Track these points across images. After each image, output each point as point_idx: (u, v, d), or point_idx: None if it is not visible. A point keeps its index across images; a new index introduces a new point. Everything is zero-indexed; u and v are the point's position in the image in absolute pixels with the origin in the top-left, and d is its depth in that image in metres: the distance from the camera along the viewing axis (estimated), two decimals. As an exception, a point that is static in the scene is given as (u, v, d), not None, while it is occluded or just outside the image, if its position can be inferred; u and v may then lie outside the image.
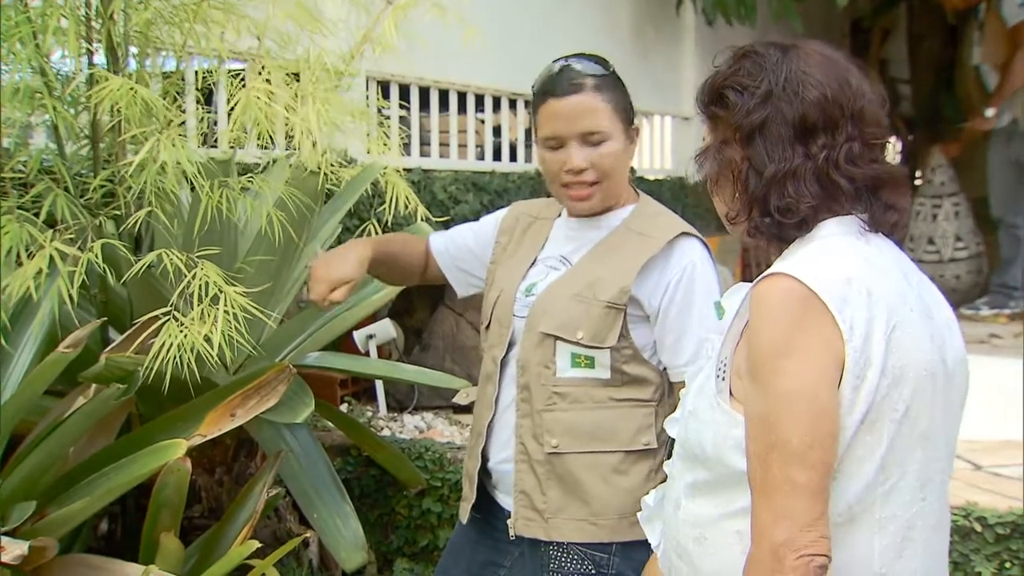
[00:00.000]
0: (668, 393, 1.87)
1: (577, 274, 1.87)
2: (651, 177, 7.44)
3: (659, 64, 7.25)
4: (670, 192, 7.46)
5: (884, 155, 1.31)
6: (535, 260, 1.95)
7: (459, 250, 2.09)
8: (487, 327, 1.97)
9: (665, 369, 1.86)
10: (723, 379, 1.28)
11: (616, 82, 1.87)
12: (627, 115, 1.87)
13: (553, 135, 1.83)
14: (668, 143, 7.76)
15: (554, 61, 1.88)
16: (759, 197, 1.27)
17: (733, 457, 1.25)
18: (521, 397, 1.86)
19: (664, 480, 1.49)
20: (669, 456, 1.42)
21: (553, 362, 1.84)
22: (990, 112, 5.80)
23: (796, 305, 1.19)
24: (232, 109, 2.05)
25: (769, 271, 1.23)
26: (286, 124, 2.13)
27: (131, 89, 1.92)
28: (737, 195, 1.30)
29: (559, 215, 2.00)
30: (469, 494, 1.95)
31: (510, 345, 1.90)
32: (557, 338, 1.83)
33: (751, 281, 1.32)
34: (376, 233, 2.93)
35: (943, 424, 1.27)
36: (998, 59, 5.86)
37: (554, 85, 1.84)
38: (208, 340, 1.93)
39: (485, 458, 1.92)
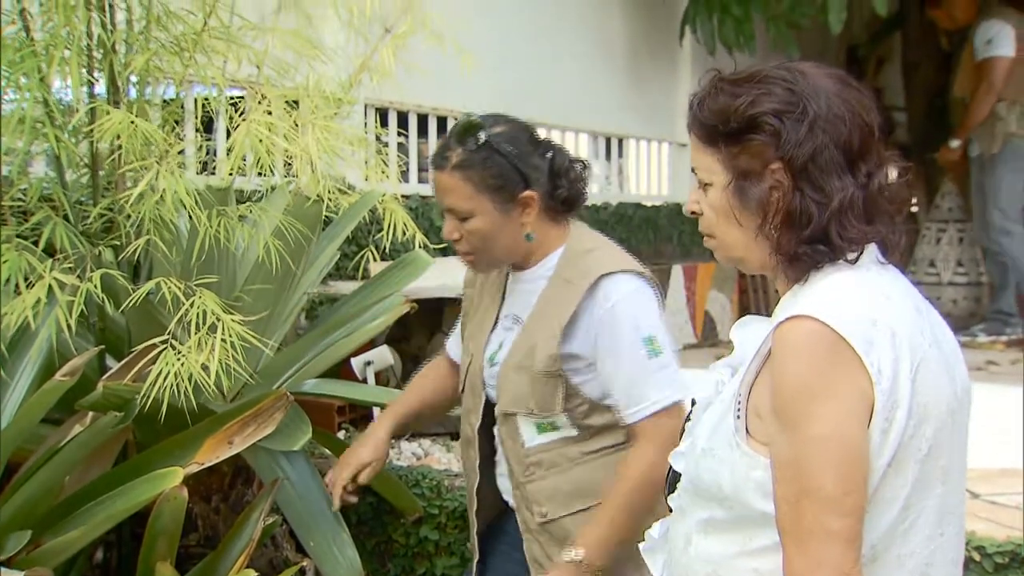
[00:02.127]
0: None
1: (520, 340, 1.88)
2: (648, 204, 7.46)
3: (655, 90, 7.29)
4: (667, 219, 7.48)
5: (901, 174, 1.30)
6: (496, 319, 1.95)
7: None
8: (462, 390, 2.01)
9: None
10: (739, 417, 1.26)
11: (487, 157, 1.82)
12: (504, 186, 1.82)
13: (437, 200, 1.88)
14: (664, 169, 7.78)
15: (458, 120, 1.88)
16: (820, 228, 1.23)
17: (754, 498, 1.23)
18: (508, 470, 1.91)
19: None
20: (672, 489, 1.40)
21: (519, 435, 1.88)
22: (955, 143, 5.93)
23: (823, 349, 1.17)
24: (232, 138, 2.06)
25: (792, 312, 1.20)
26: (285, 152, 2.14)
27: (131, 123, 1.93)
28: (774, 227, 1.25)
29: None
30: (474, 551, 1.97)
31: (485, 413, 1.94)
32: (515, 414, 1.87)
33: (750, 308, 1.32)
34: (375, 258, 2.94)
35: (958, 457, 1.27)
36: (969, 91, 5.95)
37: (433, 154, 1.88)
38: (205, 368, 1.93)
39: (483, 520, 1.97)
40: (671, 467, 1.41)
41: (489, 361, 1.92)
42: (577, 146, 6.71)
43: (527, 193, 1.84)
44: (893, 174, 1.28)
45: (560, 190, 1.87)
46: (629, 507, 1.77)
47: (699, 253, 7.98)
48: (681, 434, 1.41)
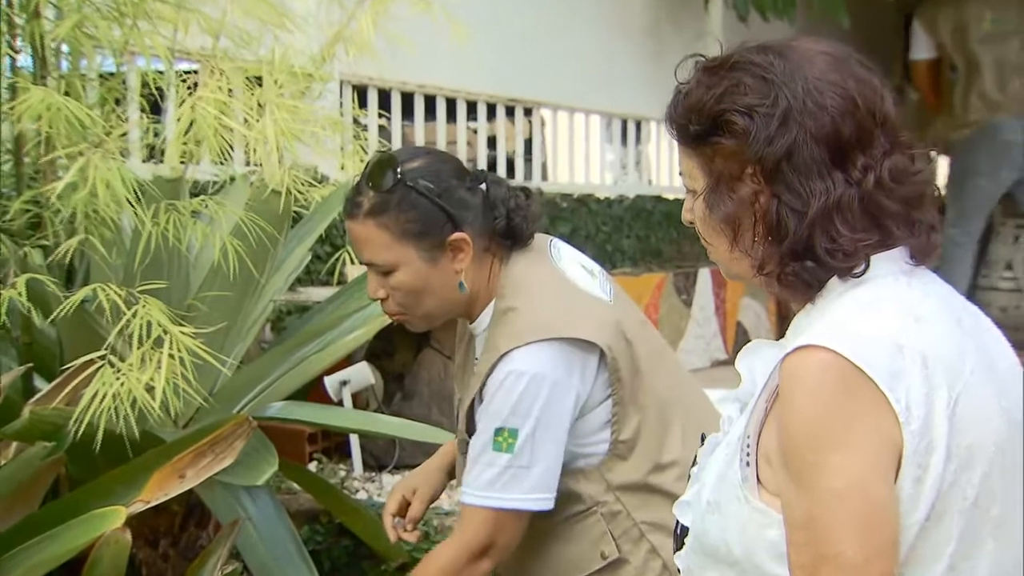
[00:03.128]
0: (607, 488, 1.85)
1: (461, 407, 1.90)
2: (670, 196, 7.46)
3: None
4: (693, 213, 7.45)
5: (921, 165, 1.24)
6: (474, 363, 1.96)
7: None
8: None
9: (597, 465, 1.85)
10: (748, 464, 1.22)
11: (403, 198, 1.77)
12: (427, 231, 1.78)
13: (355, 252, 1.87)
14: (690, 157, 7.73)
15: (368, 159, 1.85)
16: (800, 240, 1.19)
17: (767, 562, 1.19)
18: None
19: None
20: (680, 545, 1.37)
21: None
22: None
23: (838, 385, 1.12)
24: (176, 119, 2.04)
25: (801, 341, 1.16)
26: (242, 137, 2.12)
27: (51, 104, 1.90)
28: (758, 240, 1.23)
29: None
30: None
31: None
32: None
33: (790, 318, 1.28)
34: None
35: (1014, 502, 1.22)
36: None
37: (344, 200, 1.84)
38: (151, 389, 1.91)
39: None
40: (678, 520, 1.37)
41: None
42: (588, 129, 6.71)
43: (456, 235, 1.79)
44: (914, 163, 1.23)
45: (498, 221, 1.82)
46: None
47: (730, 254, 7.97)
48: (688, 480, 1.37)
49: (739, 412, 1.31)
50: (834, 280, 1.21)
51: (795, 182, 1.18)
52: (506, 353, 1.76)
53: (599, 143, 6.96)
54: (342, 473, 3.71)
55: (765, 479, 1.20)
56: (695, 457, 1.38)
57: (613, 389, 1.82)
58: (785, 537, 1.16)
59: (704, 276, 7.07)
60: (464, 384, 1.94)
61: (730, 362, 7.46)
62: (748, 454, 1.22)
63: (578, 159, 6.72)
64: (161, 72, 2.36)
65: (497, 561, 1.82)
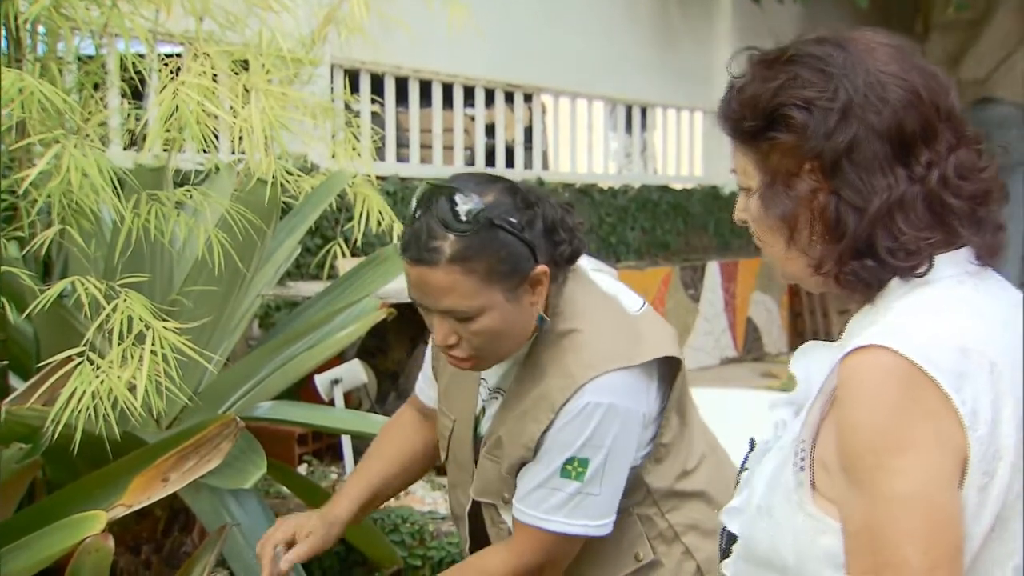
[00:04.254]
0: (646, 491, 1.88)
1: (495, 423, 1.88)
2: (677, 186, 7.46)
3: (687, 50, 7.27)
4: (700, 204, 7.46)
5: (987, 161, 1.25)
6: (479, 380, 1.94)
7: (431, 381, 2.10)
8: (445, 458, 2.01)
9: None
10: (802, 470, 1.22)
11: (492, 238, 1.70)
12: (516, 270, 1.73)
13: (416, 299, 1.77)
14: (698, 144, 7.78)
15: (425, 192, 1.74)
16: (860, 238, 1.20)
17: (822, 570, 1.19)
18: None
19: None
20: (727, 553, 1.37)
21: (503, 522, 1.90)
22: None
23: (901, 388, 1.12)
24: (157, 105, 2.03)
25: (861, 341, 1.16)
26: (231, 124, 2.11)
27: (25, 87, 1.89)
28: (816, 239, 1.23)
29: None
30: None
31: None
32: (491, 504, 1.90)
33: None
34: (344, 254, 2.92)
35: None
36: None
37: (407, 244, 1.72)
38: (132, 388, 1.90)
39: None
40: (724, 527, 1.38)
41: (475, 433, 1.93)
42: (591, 116, 6.70)
43: (539, 269, 1.75)
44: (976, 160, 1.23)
45: (561, 248, 1.79)
46: None
47: (740, 247, 7.97)
48: (736, 484, 1.38)
49: (792, 415, 1.30)
50: (895, 280, 1.21)
51: (855, 178, 1.19)
52: (584, 383, 1.75)
53: (603, 131, 6.95)
54: (333, 476, 3.71)
55: (821, 485, 1.20)
56: (743, 462, 1.38)
57: (668, 398, 1.86)
58: (844, 545, 1.16)
59: (712, 270, 7.06)
60: (462, 402, 1.94)
61: (741, 359, 7.46)
62: (802, 459, 1.22)
63: (580, 147, 6.71)
64: (142, 55, 2.35)
65: None
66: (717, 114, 1.31)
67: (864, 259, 1.20)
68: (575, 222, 1.83)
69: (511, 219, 1.71)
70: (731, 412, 5.36)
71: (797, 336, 8.01)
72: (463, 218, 1.68)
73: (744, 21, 7.61)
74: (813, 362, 1.31)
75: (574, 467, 1.77)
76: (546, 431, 1.78)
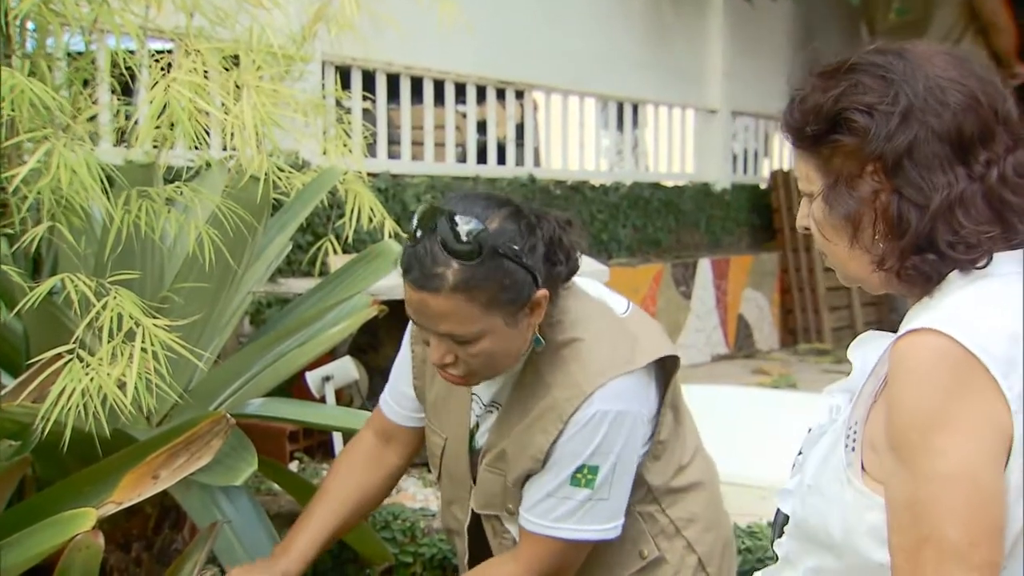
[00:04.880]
0: (647, 489, 1.90)
1: (494, 437, 1.88)
2: (669, 183, 7.45)
3: (680, 47, 7.27)
4: (692, 202, 7.47)
5: None
6: (471, 396, 1.94)
7: (402, 397, 2.11)
8: (438, 477, 2.02)
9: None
10: (853, 450, 1.28)
11: (496, 267, 1.70)
12: (517, 297, 1.73)
13: (414, 319, 1.77)
14: (690, 142, 7.77)
15: (427, 214, 1.72)
16: (922, 234, 1.25)
17: (868, 545, 1.25)
18: None
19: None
20: (780, 534, 1.43)
21: (507, 532, 1.91)
22: None
23: (950, 370, 1.17)
24: (148, 102, 2.02)
25: (914, 324, 1.21)
26: (222, 121, 2.10)
27: (15, 85, 1.88)
28: (879, 237, 1.29)
29: None
30: None
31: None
32: (494, 516, 1.91)
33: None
34: (335, 251, 2.91)
35: None
36: None
37: (409, 265, 1.72)
38: (122, 385, 1.89)
39: None
40: (778, 508, 1.44)
41: (470, 447, 1.92)
42: (583, 113, 6.69)
43: (540, 293, 1.76)
44: None
45: (559, 268, 1.79)
46: None
47: (731, 244, 7.98)
48: (792, 468, 1.43)
49: (847, 401, 1.36)
50: (954, 274, 1.27)
51: (916, 177, 1.25)
52: (592, 392, 1.77)
53: (594, 128, 6.94)
54: (325, 472, 3.70)
55: (869, 465, 1.26)
56: (800, 448, 1.44)
57: (664, 395, 1.87)
58: (888, 520, 1.21)
59: (704, 267, 7.06)
60: (454, 419, 1.94)
61: (733, 356, 7.47)
62: (853, 440, 1.28)
63: (572, 144, 6.71)
64: (132, 52, 2.34)
65: None
66: (780, 126, 1.39)
67: (925, 254, 1.26)
68: (573, 240, 1.82)
69: (515, 247, 1.71)
70: (723, 409, 5.37)
71: (788, 333, 8.02)
72: (464, 239, 1.66)
73: (736, 19, 7.61)
74: (870, 350, 1.37)
75: (584, 475, 1.78)
76: (555, 442, 1.78)
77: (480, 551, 1.95)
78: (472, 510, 1.94)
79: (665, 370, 1.87)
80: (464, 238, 1.67)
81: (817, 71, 1.34)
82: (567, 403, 1.78)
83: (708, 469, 1.98)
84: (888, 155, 1.26)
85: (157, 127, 2.12)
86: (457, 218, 1.68)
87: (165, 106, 2.00)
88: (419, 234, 1.72)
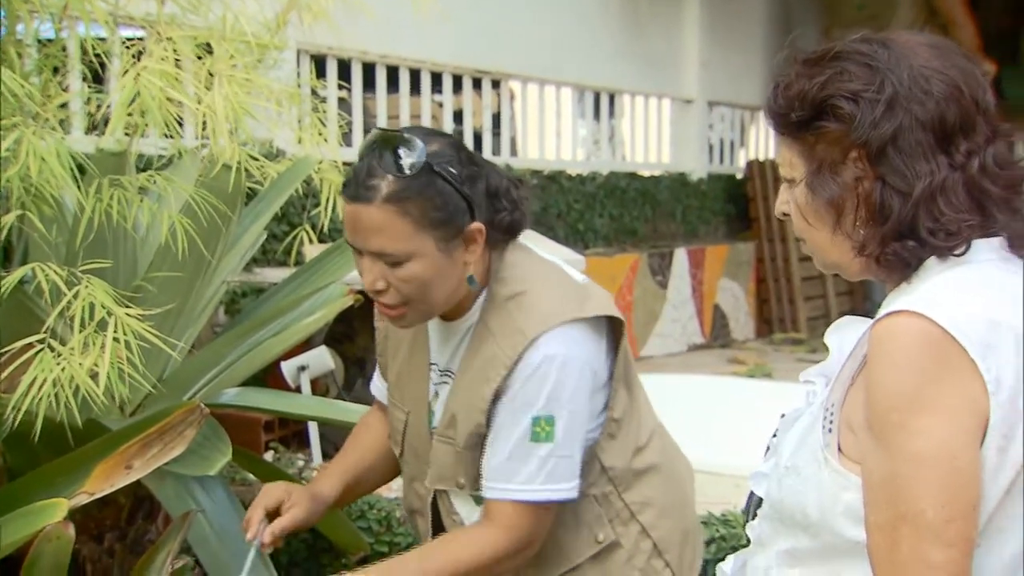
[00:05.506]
0: (601, 469, 1.87)
1: (444, 404, 1.87)
2: (645, 173, 7.46)
3: (656, 37, 7.27)
4: (668, 191, 7.48)
5: (1020, 154, 1.33)
6: (429, 366, 1.93)
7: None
8: (401, 453, 1.99)
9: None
10: (830, 431, 1.29)
11: (429, 183, 1.72)
12: (450, 220, 1.74)
13: (349, 240, 1.78)
14: (666, 131, 7.78)
15: (372, 137, 1.76)
16: (904, 220, 1.27)
17: (844, 524, 1.27)
18: None
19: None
20: (752, 517, 1.45)
21: (456, 512, 1.89)
22: None
23: (929, 351, 1.19)
24: (118, 91, 2.00)
25: (893, 307, 1.23)
26: (187, 108, 2.09)
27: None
28: (860, 223, 1.30)
29: None
30: None
31: None
32: (444, 492, 1.89)
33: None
34: (311, 240, 2.90)
35: None
36: None
37: (347, 181, 1.75)
38: (94, 375, 1.88)
39: None
40: (751, 491, 1.45)
41: (430, 421, 1.91)
42: (560, 103, 6.69)
43: (474, 225, 1.76)
44: (1017, 151, 1.32)
45: (502, 215, 1.81)
46: None
47: (707, 233, 8.00)
48: (766, 452, 1.45)
49: (824, 385, 1.38)
50: (932, 260, 1.28)
51: (900, 164, 1.27)
52: (536, 337, 1.76)
53: (571, 117, 6.94)
54: (300, 463, 3.69)
55: (846, 446, 1.28)
56: (775, 431, 1.45)
57: (614, 366, 1.86)
58: (864, 499, 1.23)
59: (680, 257, 7.08)
60: (414, 391, 1.93)
61: (709, 345, 7.49)
62: (830, 421, 1.30)
63: (549, 134, 6.70)
64: (103, 39, 2.32)
65: (530, 555, 1.82)
66: (763, 112, 1.39)
67: (906, 240, 1.27)
68: (520, 196, 1.84)
69: (451, 169, 1.74)
70: (698, 398, 5.38)
71: (763, 323, 8.05)
72: (403, 161, 1.70)
73: (712, 8, 7.62)
74: (847, 335, 1.39)
75: (542, 427, 1.76)
76: (502, 392, 1.77)
77: (440, 531, 1.94)
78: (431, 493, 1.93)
79: (615, 337, 1.86)
80: (401, 154, 1.71)
81: (800, 58, 1.35)
82: (511, 349, 1.76)
83: (666, 452, 1.96)
84: (873, 142, 1.27)
85: (129, 115, 2.10)
86: (401, 142, 1.72)
87: (136, 95, 1.98)
88: (363, 155, 1.75)
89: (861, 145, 1.28)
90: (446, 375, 1.89)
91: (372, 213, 1.71)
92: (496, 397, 1.79)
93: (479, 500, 1.86)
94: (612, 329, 1.86)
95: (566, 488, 1.79)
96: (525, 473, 1.77)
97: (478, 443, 1.82)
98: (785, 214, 1.40)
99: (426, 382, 1.92)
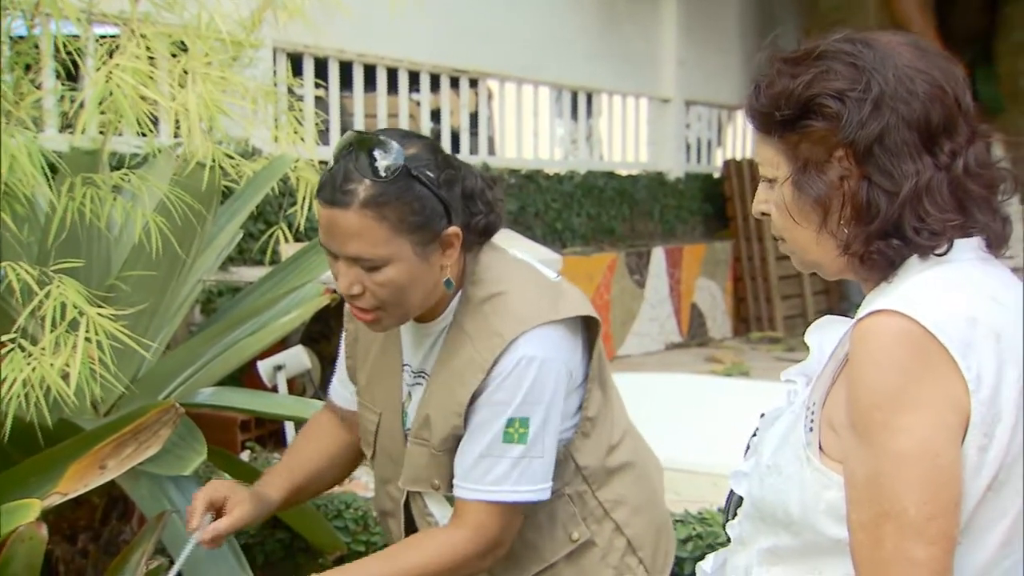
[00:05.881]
0: (576, 468, 1.88)
1: (419, 404, 1.87)
2: (623, 172, 7.47)
3: (633, 37, 7.28)
4: (646, 191, 7.49)
5: (997, 155, 1.34)
6: (402, 367, 1.92)
7: (347, 380, 2.08)
8: (372, 455, 1.98)
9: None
10: (811, 430, 1.30)
11: (407, 188, 1.72)
12: (427, 224, 1.74)
13: (324, 243, 1.77)
14: (643, 131, 7.79)
15: (347, 139, 1.75)
16: (890, 220, 1.28)
17: (825, 523, 1.27)
18: None
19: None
20: (732, 516, 1.46)
21: (430, 514, 1.88)
22: None
23: (911, 350, 1.20)
24: (89, 88, 1.98)
25: (875, 306, 1.23)
26: (168, 108, 2.08)
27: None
28: (844, 223, 1.31)
29: None
30: None
31: None
32: (417, 494, 1.88)
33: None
34: (287, 239, 2.89)
35: None
36: None
37: (323, 184, 1.74)
38: (66, 375, 1.86)
39: None
40: (731, 490, 1.46)
41: (403, 420, 1.90)
42: (537, 102, 6.69)
43: (451, 229, 1.76)
44: (994, 152, 1.33)
45: (477, 218, 1.81)
46: None
47: (684, 233, 8.01)
48: (746, 451, 1.45)
49: (805, 385, 1.39)
50: (913, 259, 1.29)
51: (887, 164, 1.27)
52: (513, 340, 1.75)
53: (548, 116, 6.95)
54: (276, 462, 3.68)
55: (827, 445, 1.29)
56: (754, 431, 1.46)
57: (590, 366, 1.86)
58: (847, 497, 1.24)
59: (658, 256, 7.09)
60: (386, 392, 1.92)
61: (686, 344, 7.51)
62: (812, 420, 1.30)
63: (526, 133, 6.70)
64: (77, 36, 2.30)
65: (500, 555, 1.82)
66: (745, 111, 1.39)
67: (891, 239, 1.28)
68: (495, 197, 1.84)
69: (428, 173, 1.73)
70: (676, 397, 5.39)
71: (741, 322, 8.08)
72: (377, 158, 1.69)
73: (689, 8, 7.64)
74: (827, 334, 1.39)
75: (516, 429, 1.76)
76: (479, 394, 1.77)
77: (416, 532, 1.94)
78: (404, 495, 1.92)
79: (590, 337, 1.86)
80: (378, 158, 1.70)
81: (782, 57, 1.35)
82: (488, 352, 1.76)
83: (637, 451, 1.97)
84: (860, 142, 1.27)
85: (102, 113, 2.09)
86: (376, 146, 1.71)
87: (109, 94, 1.97)
88: (338, 157, 1.74)
89: (848, 144, 1.28)
90: (420, 376, 1.88)
91: (349, 218, 1.70)
92: (472, 399, 1.78)
93: (452, 502, 1.85)
94: (587, 328, 1.86)
95: (537, 489, 1.79)
96: (496, 473, 1.77)
97: (454, 446, 1.81)
98: (764, 214, 1.39)
99: (399, 383, 1.91)
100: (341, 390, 2.09)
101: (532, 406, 1.76)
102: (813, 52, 1.32)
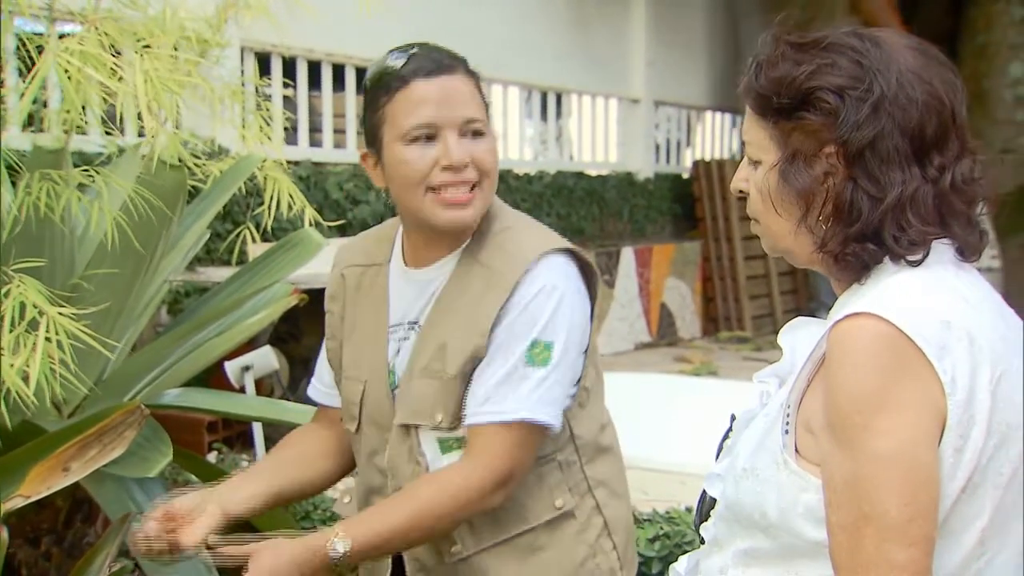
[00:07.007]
0: (570, 436, 1.86)
1: (424, 339, 1.84)
2: (593, 172, 7.47)
3: (602, 37, 7.29)
4: (615, 191, 7.49)
5: (982, 171, 1.33)
6: (388, 330, 1.90)
7: (328, 375, 2.04)
8: (357, 429, 1.93)
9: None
10: (788, 432, 1.30)
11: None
12: (488, 110, 1.86)
13: (426, 123, 1.77)
14: (613, 131, 7.80)
15: (394, 50, 1.85)
16: (870, 225, 1.27)
17: (803, 525, 1.27)
18: None
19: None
20: (704, 518, 1.45)
21: (421, 454, 1.83)
22: None
23: (888, 352, 1.20)
24: (32, 75, 1.94)
25: (850, 309, 1.23)
26: (110, 93, 2.02)
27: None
28: (823, 220, 1.30)
29: (390, 258, 1.94)
30: None
31: None
32: (415, 427, 1.83)
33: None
34: (254, 239, 2.87)
35: None
36: None
37: (418, 64, 1.79)
38: (26, 376, 1.83)
39: None
40: (704, 492, 1.45)
41: (391, 383, 1.87)
42: (507, 102, 6.68)
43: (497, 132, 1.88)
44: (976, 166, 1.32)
45: None
46: (420, 522, 1.73)
47: (654, 233, 8.03)
48: (718, 453, 1.44)
49: (778, 386, 1.39)
50: (886, 260, 1.29)
51: (875, 169, 1.27)
52: (539, 258, 1.77)
53: (518, 116, 6.93)
54: (244, 463, 3.66)
55: (803, 447, 1.28)
56: (727, 432, 1.45)
57: (590, 338, 1.86)
58: (825, 500, 1.24)
59: (627, 256, 7.10)
60: (372, 358, 1.88)
61: (655, 344, 7.52)
62: (788, 422, 1.30)
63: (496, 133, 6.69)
64: (41, 34, 2.27)
65: (510, 490, 1.76)
66: (742, 87, 1.36)
67: (868, 243, 1.28)
68: None
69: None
70: (645, 396, 5.38)
71: (710, 321, 8.10)
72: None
73: (658, 8, 7.65)
74: (800, 336, 1.39)
75: (539, 351, 1.75)
76: (502, 318, 1.75)
77: None
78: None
79: (591, 291, 1.87)
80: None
81: (788, 41, 1.33)
82: (511, 272, 1.77)
83: (617, 441, 1.98)
84: (852, 143, 1.26)
85: (67, 112, 2.06)
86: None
87: (58, 82, 1.93)
88: (416, 49, 1.82)
89: (840, 143, 1.27)
90: (414, 327, 1.86)
91: (458, 83, 1.78)
92: (495, 324, 1.76)
93: (445, 446, 1.81)
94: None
95: (555, 413, 1.77)
96: (519, 394, 1.74)
97: (471, 370, 1.77)
98: (742, 192, 1.38)
99: (384, 346, 1.89)
100: (321, 387, 2.06)
101: (556, 331, 1.76)
102: (821, 42, 1.31)
